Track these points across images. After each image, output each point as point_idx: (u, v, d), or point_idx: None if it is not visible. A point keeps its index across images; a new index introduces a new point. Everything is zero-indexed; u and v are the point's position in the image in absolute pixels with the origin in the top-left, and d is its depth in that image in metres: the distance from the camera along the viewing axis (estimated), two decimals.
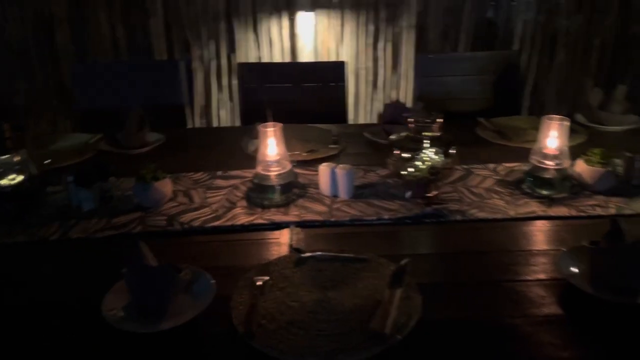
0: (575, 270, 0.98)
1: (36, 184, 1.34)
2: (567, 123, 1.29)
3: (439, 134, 1.30)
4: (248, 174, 1.47)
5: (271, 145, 1.31)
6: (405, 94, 3.07)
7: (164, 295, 0.91)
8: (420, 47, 3.00)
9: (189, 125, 2.78)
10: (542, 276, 1.02)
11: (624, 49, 3.03)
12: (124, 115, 1.71)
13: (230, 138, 1.81)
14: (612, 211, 1.23)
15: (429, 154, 1.29)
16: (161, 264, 0.94)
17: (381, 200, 1.32)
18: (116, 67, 2.29)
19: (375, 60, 3.02)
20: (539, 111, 3.12)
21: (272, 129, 1.30)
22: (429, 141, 1.29)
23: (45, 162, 1.52)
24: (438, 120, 1.28)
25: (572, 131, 1.67)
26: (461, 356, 0.84)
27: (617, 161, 1.36)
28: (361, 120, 3.12)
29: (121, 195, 1.37)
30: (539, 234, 1.19)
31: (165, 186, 1.33)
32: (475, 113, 1.94)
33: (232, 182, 1.45)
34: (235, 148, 1.70)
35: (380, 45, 2.99)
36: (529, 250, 1.12)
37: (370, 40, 2.98)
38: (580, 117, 1.82)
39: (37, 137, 2.03)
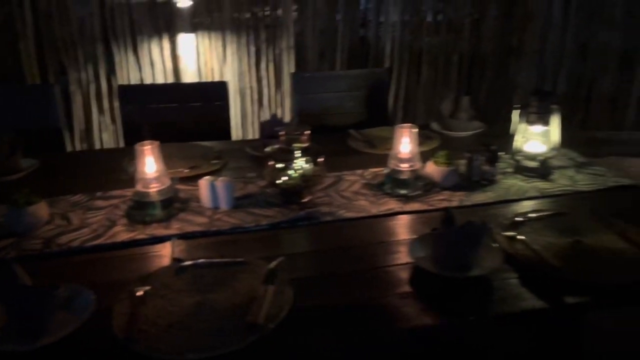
0: (422, 254, 1.14)
1: None
2: (415, 130, 1.48)
3: (308, 144, 1.43)
4: (129, 193, 1.48)
5: (149, 163, 1.35)
6: (290, 111, 3.22)
7: (40, 312, 0.92)
8: (301, 67, 3.18)
9: (69, 150, 2.69)
10: (398, 262, 1.18)
11: (478, 65, 3.45)
12: None
13: (111, 160, 1.80)
14: (456, 203, 1.43)
15: (300, 164, 1.42)
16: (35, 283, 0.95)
17: (260, 209, 1.42)
18: None
19: (260, 79, 3.15)
20: (411, 122, 3.43)
21: (148, 147, 1.35)
22: (299, 152, 1.42)
23: None
24: (305, 132, 1.41)
25: (428, 138, 1.91)
26: (331, 336, 0.96)
27: (461, 161, 1.58)
28: (249, 137, 3.21)
29: None
30: (397, 227, 1.35)
31: (40, 210, 1.31)
32: (350, 126, 2.11)
33: (112, 202, 1.46)
34: (115, 169, 1.70)
35: (263, 65, 3.12)
36: (388, 241, 1.28)
37: (253, 61, 3.10)
38: (435, 125, 2.07)
39: None
